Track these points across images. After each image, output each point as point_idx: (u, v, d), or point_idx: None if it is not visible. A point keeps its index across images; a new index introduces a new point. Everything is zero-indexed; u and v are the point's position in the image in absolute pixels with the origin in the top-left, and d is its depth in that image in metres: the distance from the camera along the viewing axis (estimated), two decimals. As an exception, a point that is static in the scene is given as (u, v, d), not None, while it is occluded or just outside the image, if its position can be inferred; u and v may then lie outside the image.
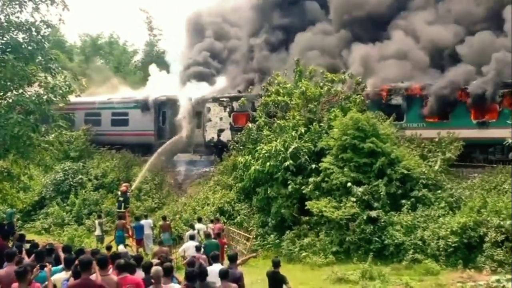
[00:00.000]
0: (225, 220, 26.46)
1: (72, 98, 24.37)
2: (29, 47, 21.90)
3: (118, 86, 48.38)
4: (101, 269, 10.17)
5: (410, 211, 23.11)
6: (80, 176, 34.51)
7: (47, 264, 10.91)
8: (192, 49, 43.51)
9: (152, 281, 10.43)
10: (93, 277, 9.81)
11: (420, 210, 23.13)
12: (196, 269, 11.53)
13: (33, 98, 21.95)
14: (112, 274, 10.47)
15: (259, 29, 40.93)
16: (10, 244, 16.88)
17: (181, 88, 38.88)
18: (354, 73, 29.62)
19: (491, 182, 24.13)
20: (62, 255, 12.65)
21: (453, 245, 20.93)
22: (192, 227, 22.48)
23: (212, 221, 23.91)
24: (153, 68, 45.64)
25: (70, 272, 10.69)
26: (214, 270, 11.80)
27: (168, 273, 10.81)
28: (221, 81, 38.56)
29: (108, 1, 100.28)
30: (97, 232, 26.10)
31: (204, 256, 14.87)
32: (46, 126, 23.63)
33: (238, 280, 11.97)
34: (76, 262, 10.53)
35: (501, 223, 20.40)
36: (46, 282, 10.26)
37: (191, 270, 11.03)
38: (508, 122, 25.17)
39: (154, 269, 10.65)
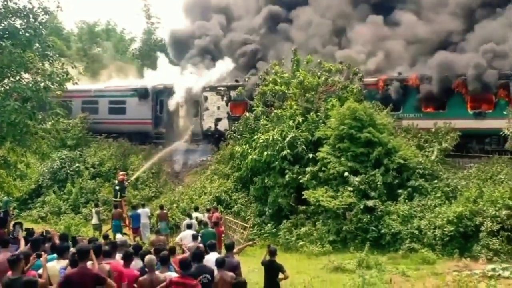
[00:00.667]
0: (222, 209, 26.53)
1: (69, 85, 24.33)
2: (27, 34, 21.87)
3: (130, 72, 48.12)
4: (95, 257, 10.22)
5: (406, 200, 23.23)
6: (77, 165, 34.47)
7: (42, 252, 10.92)
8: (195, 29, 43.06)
9: (146, 269, 10.49)
10: (89, 265, 9.86)
11: (416, 199, 23.26)
12: (189, 256, 11.61)
13: (30, 85, 21.95)
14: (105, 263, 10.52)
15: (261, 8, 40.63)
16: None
17: (180, 74, 38.64)
18: (359, 51, 29.63)
19: (487, 172, 24.22)
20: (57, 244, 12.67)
21: (449, 234, 21.06)
22: (189, 216, 22.51)
23: (208, 210, 23.93)
24: (162, 57, 45.16)
25: (64, 261, 10.68)
26: (211, 259, 11.85)
27: (165, 261, 10.88)
28: (222, 67, 38.20)
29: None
30: (94, 220, 26.16)
31: (201, 245, 14.92)
32: (43, 114, 23.60)
33: (235, 268, 11.99)
34: (73, 250, 10.57)
35: (497, 212, 20.56)
36: (41, 270, 10.28)
37: (185, 258, 11.07)
38: (504, 112, 25.16)
39: (147, 257, 10.70)
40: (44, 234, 14.54)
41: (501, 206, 20.70)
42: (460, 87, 27.45)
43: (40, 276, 10.01)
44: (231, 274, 11.02)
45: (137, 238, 23.82)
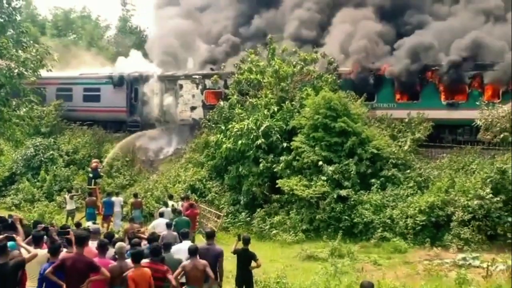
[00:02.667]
0: (196, 198, 26.49)
1: (43, 72, 24.13)
2: (0, 19, 21.63)
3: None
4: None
5: (379, 190, 23.50)
6: (51, 152, 34.04)
7: (14, 235, 11.00)
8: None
9: (116, 257, 10.53)
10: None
11: (389, 189, 23.54)
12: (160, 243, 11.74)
13: (4, 71, 21.72)
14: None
15: None
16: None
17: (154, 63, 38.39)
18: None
19: (459, 162, 24.47)
20: (20, 228, 12.65)
21: (421, 223, 21.41)
22: (166, 204, 22.51)
23: (183, 199, 23.93)
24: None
25: (41, 250, 10.69)
26: (182, 247, 11.90)
27: None
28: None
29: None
30: (69, 206, 25.93)
31: (174, 233, 14.98)
32: (17, 100, 23.40)
33: (218, 256, 12.00)
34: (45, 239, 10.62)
35: (468, 202, 20.89)
36: (16, 251, 10.32)
37: (156, 244, 11.16)
38: (477, 103, 25.48)
39: (117, 245, 10.76)
40: (7, 218, 14.44)
41: (472, 196, 21.03)
42: (433, 77, 27.75)
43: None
44: (203, 262, 11.06)
45: (111, 226, 23.75)
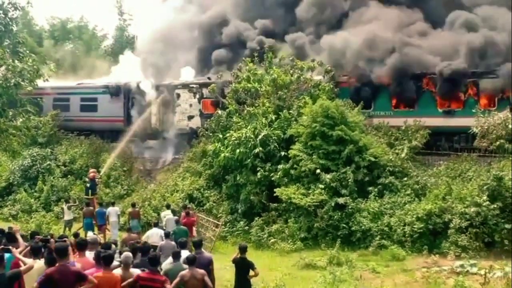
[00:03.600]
0: (195, 207, 26.46)
1: (40, 82, 24.12)
2: (-4, 30, 21.70)
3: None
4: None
5: (377, 198, 23.47)
6: (48, 162, 33.99)
7: (10, 247, 11.01)
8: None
9: (121, 265, 10.56)
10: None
11: (387, 197, 23.51)
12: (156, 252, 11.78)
13: (0, 82, 21.74)
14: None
15: None
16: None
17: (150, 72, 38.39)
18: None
19: (456, 169, 24.51)
20: (20, 239, 12.64)
21: (418, 231, 21.36)
22: (174, 212, 22.40)
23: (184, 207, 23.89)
24: (128, 54, 44.84)
25: (39, 261, 10.69)
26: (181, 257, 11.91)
27: None
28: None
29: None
30: (66, 217, 25.93)
31: (173, 243, 14.97)
32: (14, 111, 23.37)
33: (208, 264, 12.07)
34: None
35: (465, 209, 20.86)
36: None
37: (153, 254, 11.18)
38: (473, 111, 25.58)
39: (124, 254, 10.78)
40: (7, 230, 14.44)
41: (469, 203, 21.01)
42: (429, 85, 27.84)
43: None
44: (201, 271, 11.07)
45: (108, 236, 23.68)
